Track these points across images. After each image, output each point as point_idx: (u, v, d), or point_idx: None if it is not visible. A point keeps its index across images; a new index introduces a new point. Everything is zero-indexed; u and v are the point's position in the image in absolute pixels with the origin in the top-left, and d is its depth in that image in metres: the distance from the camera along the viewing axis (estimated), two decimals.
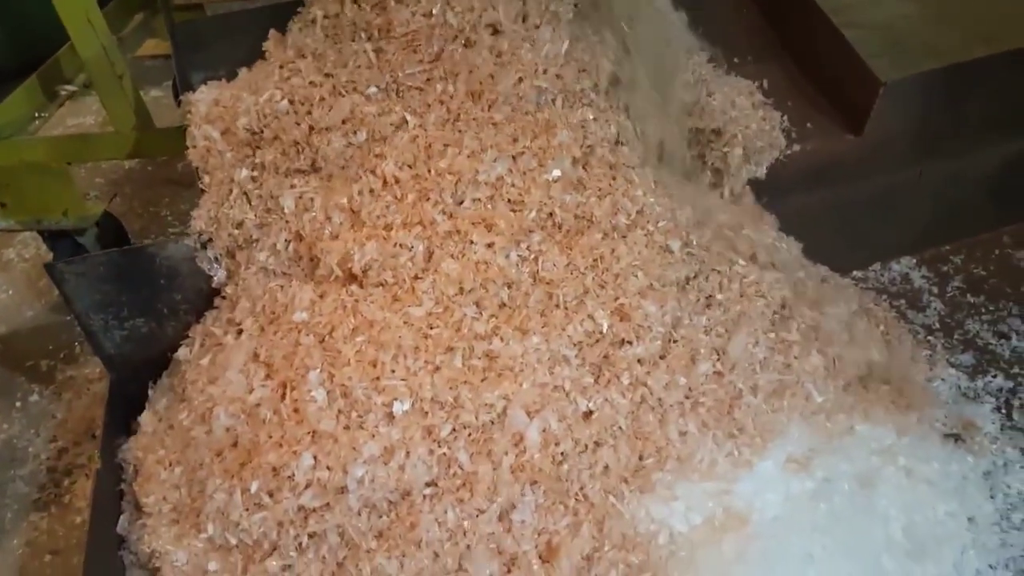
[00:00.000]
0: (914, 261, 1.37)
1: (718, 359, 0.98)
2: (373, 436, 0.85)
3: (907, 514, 0.88)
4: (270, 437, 0.86)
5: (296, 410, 0.88)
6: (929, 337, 1.23)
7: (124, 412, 1.01)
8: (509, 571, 0.83)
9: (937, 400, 1.08)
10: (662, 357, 0.96)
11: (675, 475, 0.89)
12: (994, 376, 1.16)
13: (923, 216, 1.36)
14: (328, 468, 0.84)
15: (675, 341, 0.98)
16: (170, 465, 0.92)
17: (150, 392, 1.03)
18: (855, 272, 1.34)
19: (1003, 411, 1.11)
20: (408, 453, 0.85)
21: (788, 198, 1.23)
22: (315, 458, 0.84)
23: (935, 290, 1.32)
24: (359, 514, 0.84)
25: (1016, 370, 1.17)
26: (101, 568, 0.87)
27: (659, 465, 0.90)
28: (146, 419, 0.99)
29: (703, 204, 1.16)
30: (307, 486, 0.84)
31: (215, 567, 0.84)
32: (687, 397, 0.95)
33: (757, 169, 1.22)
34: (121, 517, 0.93)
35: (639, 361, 0.94)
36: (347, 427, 0.87)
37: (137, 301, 1.03)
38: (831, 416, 0.97)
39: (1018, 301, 1.28)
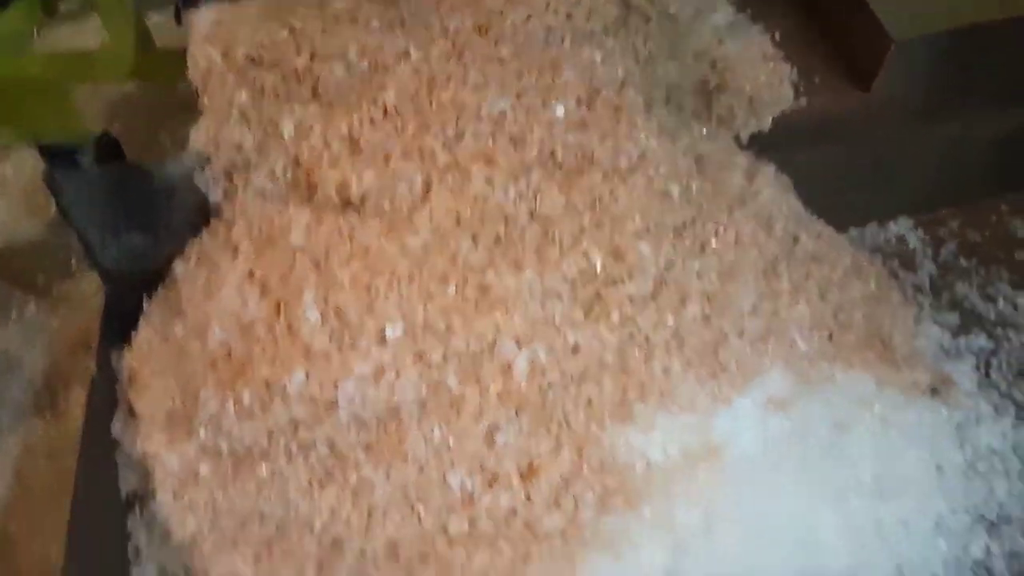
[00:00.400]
0: (911, 223, 1.38)
1: (707, 303, 0.99)
2: (365, 357, 0.87)
3: (878, 459, 0.92)
4: (264, 352, 0.88)
5: (290, 329, 0.89)
6: (918, 296, 1.25)
7: (120, 324, 1.02)
8: (491, 486, 0.87)
9: (919, 356, 1.10)
10: (653, 298, 0.97)
11: (655, 408, 0.91)
12: (976, 336, 1.19)
13: (925, 179, 1.36)
14: (320, 384, 0.86)
15: (666, 283, 0.99)
16: (164, 375, 0.94)
17: (145, 305, 1.04)
18: (852, 230, 1.35)
19: (981, 369, 1.14)
20: (398, 374, 0.87)
21: (790, 152, 1.22)
22: (307, 375, 0.86)
23: (929, 252, 1.33)
24: (348, 429, 0.86)
25: (999, 331, 1.20)
26: (95, 469, 0.90)
27: (641, 399, 0.93)
28: (141, 330, 1.01)
29: (706, 153, 1.16)
30: (298, 400, 0.86)
31: (206, 471, 0.88)
32: (673, 337, 0.97)
33: (762, 121, 1.21)
34: (115, 422, 0.96)
35: (630, 300, 0.96)
36: (340, 348, 0.88)
37: (134, 217, 1.03)
38: (814, 363, 0.99)
39: (1009, 267, 1.30)
